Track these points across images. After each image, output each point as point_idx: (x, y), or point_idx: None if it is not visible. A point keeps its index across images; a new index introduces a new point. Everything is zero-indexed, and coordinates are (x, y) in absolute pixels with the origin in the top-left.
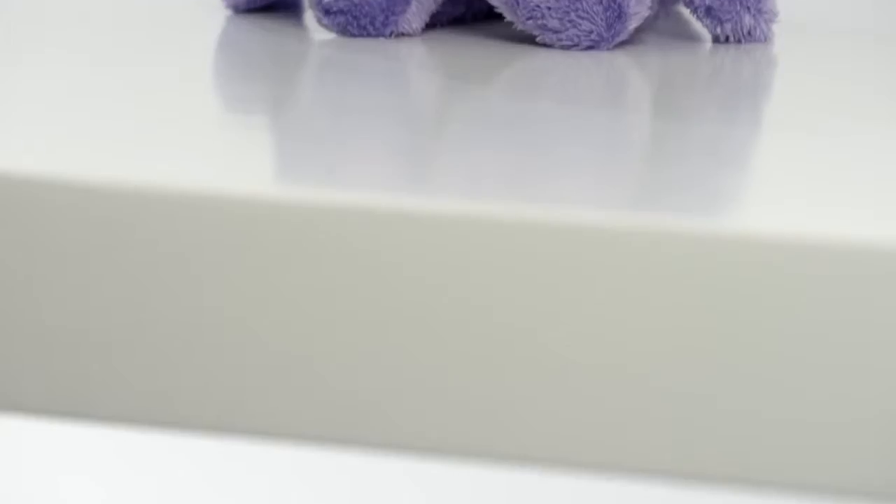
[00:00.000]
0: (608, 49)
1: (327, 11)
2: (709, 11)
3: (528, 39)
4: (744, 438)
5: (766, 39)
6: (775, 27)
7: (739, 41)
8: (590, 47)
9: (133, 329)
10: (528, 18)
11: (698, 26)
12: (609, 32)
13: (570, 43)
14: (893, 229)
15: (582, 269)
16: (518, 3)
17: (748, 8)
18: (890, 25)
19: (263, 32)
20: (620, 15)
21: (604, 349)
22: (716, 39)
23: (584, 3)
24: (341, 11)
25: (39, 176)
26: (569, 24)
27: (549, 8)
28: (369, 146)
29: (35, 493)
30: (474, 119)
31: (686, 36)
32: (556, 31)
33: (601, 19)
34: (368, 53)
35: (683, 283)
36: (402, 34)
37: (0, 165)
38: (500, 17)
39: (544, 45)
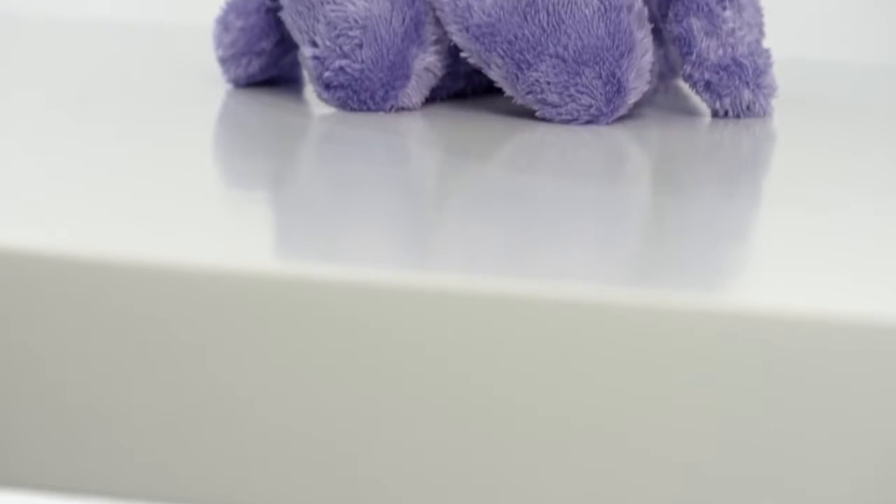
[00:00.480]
0: (607, 123)
1: (328, 86)
2: (708, 86)
3: (528, 113)
4: None
5: (765, 114)
6: (774, 102)
7: (738, 116)
8: (589, 121)
9: (133, 403)
10: (528, 93)
11: (697, 101)
12: (608, 107)
13: (569, 117)
14: (892, 305)
15: (582, 343)
16: (518, 78)
17: (747, 83)
18: (889, 100)
19: (264, 106)
20: (620, 90)
21: (604, 422)
22: (715, 114)
23: (584, 78)
24: (342, 86)
25: (41, 251)
26: (568, 99)
27: (549, 82)
28: (369, 220)
29: None
30: (474, 193)
31: (685, 110)
32: (555, 106)
33: (601, 94)
34: (369, 128)
35: (683, 357)
36: (403, 108)
37: (1, 240)
38: (499, 91)
39: (544, 119)
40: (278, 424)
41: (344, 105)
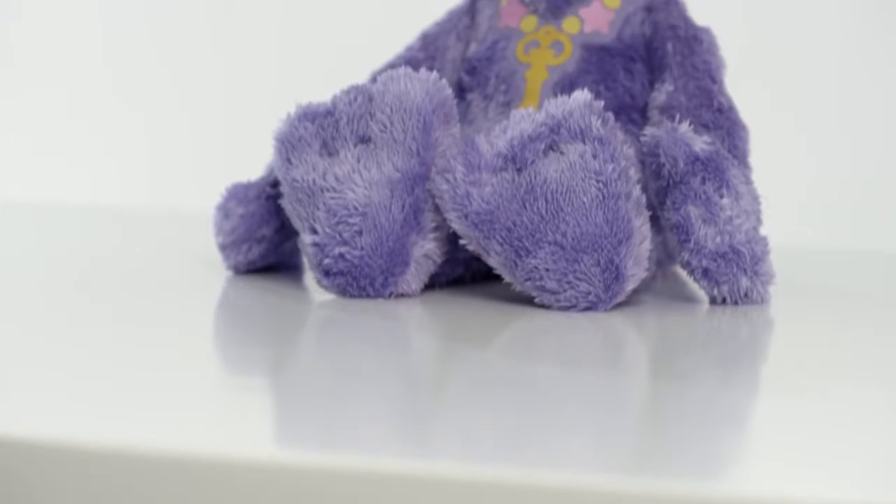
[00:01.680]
0: (606, 310)
1: (327, 273)
2: (706, 273)
3: (527, 300)
4: None
5: (763, 301)
6: (772, 289)
7: (736, 303)
8: (588, 308)
9: None
10: (527, 279)
11: (695, 287)
12: (607, 294)
13: (567, 304)
14: (891, 495)
15: None
16: (516, 265)
17: (745, 270)
18: (887, 287)
19: (264, 293)
20: (618, 277)
21: None
22: (713, 301)
23: (582, 265)
24: (341, 273)
25: (41, 440)
26: (567, 286)
27: (548, 269)
28: (369, 407)
29: None
30: (473, 380)
31: (683, 297)
32: (554, 293)
33: (599, 281)
34: (368, 314)
35: None
36: (402, 295)
37: (2, 429)
38: (498, 277)
39: (542, 305)
40: None
41: (343, 292)
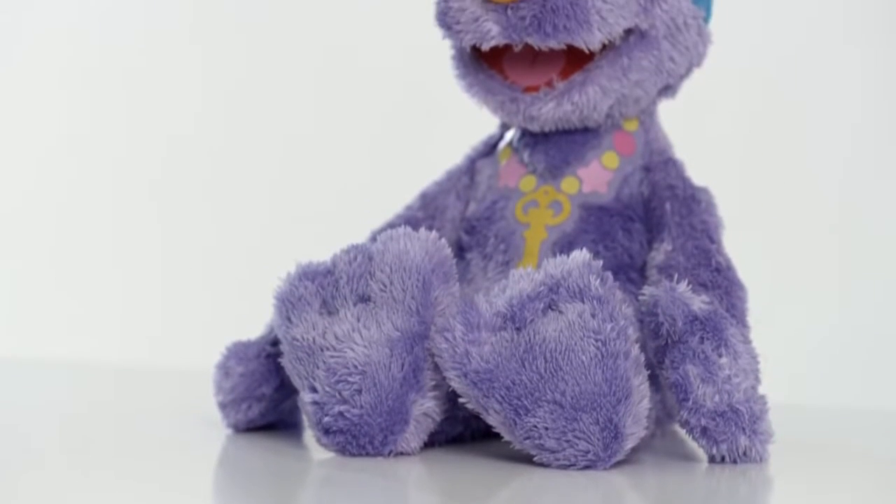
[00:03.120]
0: (605, 469)
1: (327, 431)
2: (704, 432)
3: (526, 459)
4: None
5: (761, 460)
6: (771, 447)
7: (735, 462)
8: (587, 467)
9: None
10: (526, 438)
11: (694, 446)
12: (606, 453)
13: (567, 463)
14: None
15: None
16: (515, 423)
17: (743, 429)
18: (887, 446)
19: (263, 451)
20: (617, 435)
21: None
22: (712, 460)
23: (581, 424)
24: (341, 431)
25: None
26: (566, 444)
27: (547, 428)
28: None
29: None
30: None
31: (682, 456)
32: (553, 451)
33: (598, 440)
34: (367, 473)
35: None
36: (401, 453)
37: None
38: (498, 436)
39: (542, 464)
40: None
41: (343, 450)
